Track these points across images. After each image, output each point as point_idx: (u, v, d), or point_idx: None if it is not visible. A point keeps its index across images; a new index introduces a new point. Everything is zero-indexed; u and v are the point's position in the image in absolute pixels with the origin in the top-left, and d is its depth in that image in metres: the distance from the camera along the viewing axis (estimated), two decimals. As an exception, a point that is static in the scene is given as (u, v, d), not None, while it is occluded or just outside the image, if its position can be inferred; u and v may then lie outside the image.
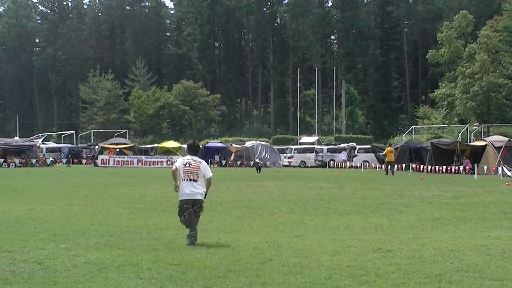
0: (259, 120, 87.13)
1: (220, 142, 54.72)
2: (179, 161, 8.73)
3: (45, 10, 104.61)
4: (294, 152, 50.39)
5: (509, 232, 9.74)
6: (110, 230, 9.79)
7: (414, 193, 17.87)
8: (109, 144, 49.23)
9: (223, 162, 47.68)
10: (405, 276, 6.31)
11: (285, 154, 50.30)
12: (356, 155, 47.30)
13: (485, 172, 31.42)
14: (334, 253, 7.65)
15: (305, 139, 58.17)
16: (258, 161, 38.55)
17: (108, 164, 44.49)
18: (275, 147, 52.87)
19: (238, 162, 47.89)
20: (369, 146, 50.39)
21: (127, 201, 15.36)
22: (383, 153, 35.81)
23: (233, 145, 51.91)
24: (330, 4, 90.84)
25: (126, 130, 73.45)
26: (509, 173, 29.34)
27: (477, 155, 33.86)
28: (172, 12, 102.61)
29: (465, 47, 56.18)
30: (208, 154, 46.90)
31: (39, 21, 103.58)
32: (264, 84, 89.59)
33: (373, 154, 46.29)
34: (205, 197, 8.66)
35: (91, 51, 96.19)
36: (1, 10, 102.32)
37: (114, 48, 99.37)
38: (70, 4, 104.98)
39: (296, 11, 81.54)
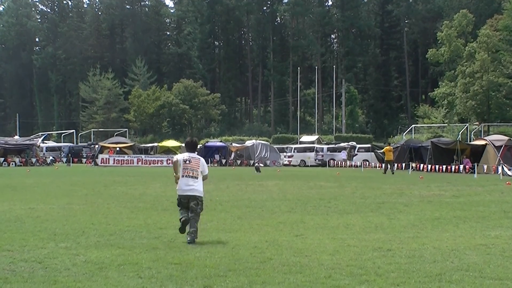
0: (259, 119, 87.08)
1: (220, 141, 54.72)
2: (179, 156, 8.89)
3: (45, 9, 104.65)
4: (294, 151, 50.33)
5: (509, 231, 9.73)
6: (110, 229, 9.79)
7: (414, 192, 17.85)
8: (109, 143, 49.18)
9: (223, 161, 47.65)
10: (405, 275, 6.30)
11: (285, 153, 50.27)
12: (356, 154, 47.29)
13: (485, 171, 31.40)
14: (334, 252, 7.65)
15: (305, 138, 58.14)
16: (258, 164, 38.46)
17: (108, 163, 44.48)
18: (275, 146, 52.87)
19: (238, 161, 47.88)
20: (369, 145, 50.35)
21: (127, 200, 15.34)
22: (381, 151, 35.81)
23: (233, 144, 51.85)
24: (330, 3, 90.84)
25: (126, 129, 73.52)
26: (509, 172, 29.35)
27: (477, 154, 33.84)
28: (172, 11, 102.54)
29: (465, 46, 56.22)
30: (208, 153, 46.88)
31: (39, 20, 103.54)
32: (264, 83, 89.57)
33: (373, 153, 46.30)
34: None
35: (91, 50, 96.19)
36: (1, 9, 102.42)
37: (114, 47, 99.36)
38: (70, 3, 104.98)
39: (296, 10, 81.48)
